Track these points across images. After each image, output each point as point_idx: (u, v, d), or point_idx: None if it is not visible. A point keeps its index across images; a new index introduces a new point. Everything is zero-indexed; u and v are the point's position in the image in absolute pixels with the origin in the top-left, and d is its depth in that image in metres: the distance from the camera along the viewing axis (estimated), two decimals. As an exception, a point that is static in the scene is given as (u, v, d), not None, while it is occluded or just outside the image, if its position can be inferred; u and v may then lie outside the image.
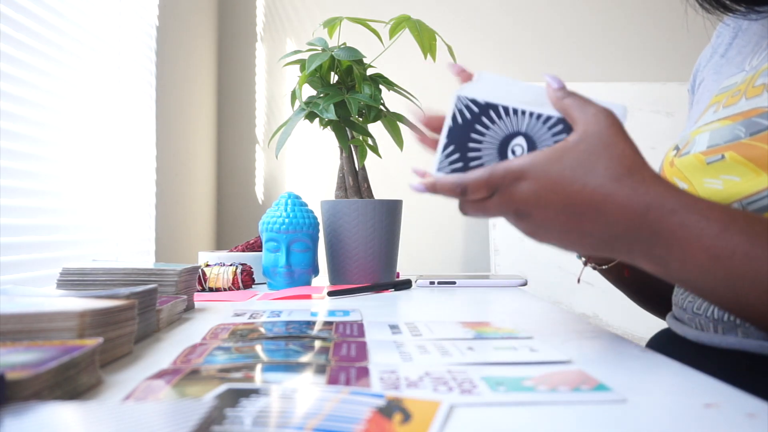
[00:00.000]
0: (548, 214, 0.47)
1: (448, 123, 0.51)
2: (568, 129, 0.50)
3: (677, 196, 0.45)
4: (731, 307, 0.46)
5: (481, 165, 0.51)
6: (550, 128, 0.50)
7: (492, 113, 0.51)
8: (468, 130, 0.51)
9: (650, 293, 0.78)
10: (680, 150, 0.61)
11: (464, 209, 0.52)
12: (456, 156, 0.51)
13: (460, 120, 0.51)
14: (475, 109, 0.51)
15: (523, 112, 0.50)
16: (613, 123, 0.48)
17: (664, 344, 0.65)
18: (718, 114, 0.59)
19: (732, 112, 0.57)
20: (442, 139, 0.51)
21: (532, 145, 0.50)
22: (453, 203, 0.53)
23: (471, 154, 0.51)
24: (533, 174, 0.47)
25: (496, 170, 0.48)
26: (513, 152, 0.51)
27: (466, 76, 0.53)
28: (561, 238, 0.49)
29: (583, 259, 0.76)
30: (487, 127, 0.51)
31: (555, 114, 0.50)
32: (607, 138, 0.47)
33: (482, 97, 0.51)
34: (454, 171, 0.51)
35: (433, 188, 0.51)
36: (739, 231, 0.44)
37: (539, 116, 0.50)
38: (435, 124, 0.54)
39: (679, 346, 0.61)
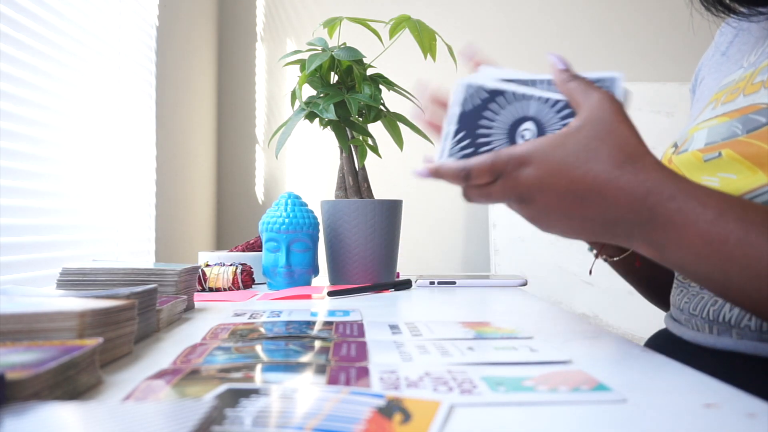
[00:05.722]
0: (551, 198, 0.48)
1: (456, 110, 0.52)
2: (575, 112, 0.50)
3: (676, 182, 0.46)
4: (723, 292, 0.47)
5: (491, 149, 0.51)
6: (558, 112, 0.50)
7: (500, 99, 0.51)
8: (477, 116, 0.51)
9: (658, 285, 0.78)
10: (678, 147, 0.61)
11: (468, 195, 0.52)
12: (467, 142, 0.52)
13: (470, 106, 0.52)
14: (485, 95, 0.51)
15: (531, 97, 0.51)
16: (616, 109, 0.48)
17: (661, 345, 0.65)
18: (716, 111, 0.59)
19: (729, 109, 0.57)
20: (452, 125, 0.52)
21: (541, 129, 0.51)
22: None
23: (481, 140, 0.51)
24: (537, 159, 0.48)
25: (500, 156, 0.49)
26: (522, 137, 0.51)
27: (475, 63, 0.54)
28: (563, 223, 0.49)
29: (595, 251, 0.76)
30: (496, 112, 0.51)
31: (562, 97, 0.50)
32: (609, 124, 0.47)
33: (490, 84, 0.51)
34: (464, 156, 0.51)
35: (437, 173, 0.51)
36: (734, 218, 0.44)
37: (547, 100, 0.50)
38: (440, 102, 0.56)
39: (676, 346, 0.61)
